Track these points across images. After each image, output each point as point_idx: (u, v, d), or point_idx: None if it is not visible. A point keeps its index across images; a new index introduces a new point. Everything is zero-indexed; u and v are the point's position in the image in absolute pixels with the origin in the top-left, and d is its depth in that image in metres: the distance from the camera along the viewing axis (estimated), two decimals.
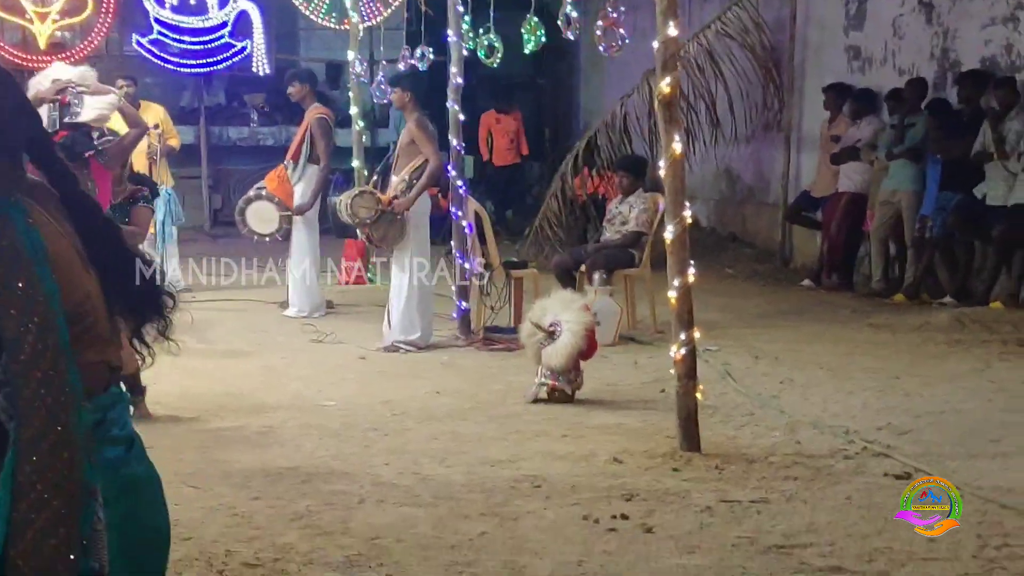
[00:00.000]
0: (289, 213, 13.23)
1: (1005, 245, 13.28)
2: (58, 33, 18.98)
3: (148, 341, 3.50)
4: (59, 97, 8.63)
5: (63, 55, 18.63)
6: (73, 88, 8.69)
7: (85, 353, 3.18)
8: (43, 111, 8.61)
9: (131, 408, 3.55)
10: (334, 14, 19.79)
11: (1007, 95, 13.29)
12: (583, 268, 12.65)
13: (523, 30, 10.46)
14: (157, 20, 19.14)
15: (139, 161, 14.14)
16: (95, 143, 8.50)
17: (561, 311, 9.59)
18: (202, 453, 8.03)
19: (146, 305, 3.40)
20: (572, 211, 16.74)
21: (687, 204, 8.07)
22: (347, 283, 15.49)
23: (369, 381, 10.37)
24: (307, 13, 20.21)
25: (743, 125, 17.36)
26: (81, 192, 3.43)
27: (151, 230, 13.48)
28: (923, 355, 11.39)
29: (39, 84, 8.84)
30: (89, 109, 8.56)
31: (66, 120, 8.53)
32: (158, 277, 3.47)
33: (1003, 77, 13.56)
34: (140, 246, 9.33)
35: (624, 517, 6.68)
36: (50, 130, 8.48)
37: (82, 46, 19.39)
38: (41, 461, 3.02)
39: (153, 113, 15.00)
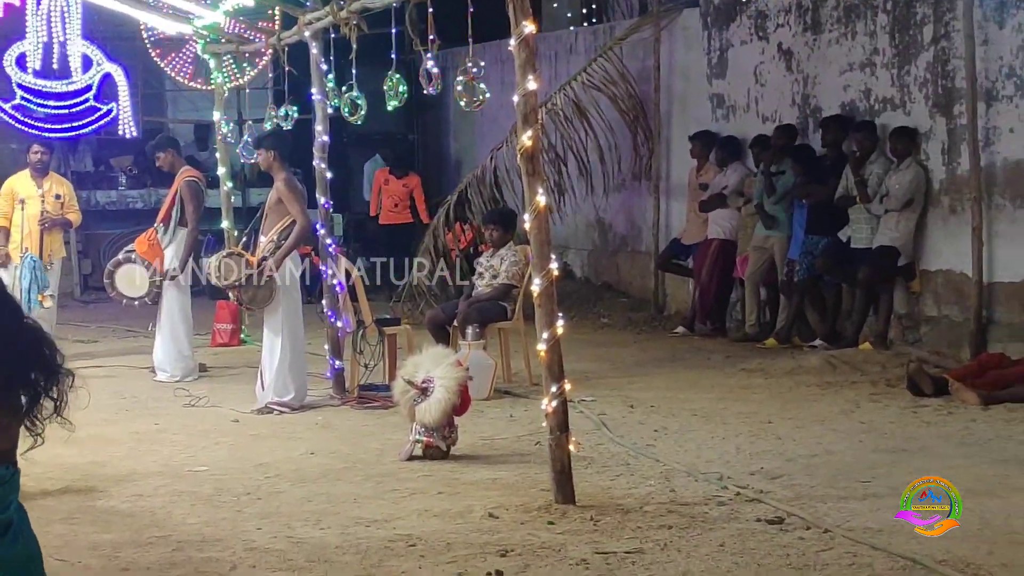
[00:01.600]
0: (159, 278, 13.11)
1: (871, 287, 13.50)
2: None
3: (41, 420, 3.41)
4: None
5: None
6: None
7: None
8: None
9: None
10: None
11: (867, 139, 13.55)
12: (456, 323, 12.63)
13: (385, 87, 10.46)
14: (20, 85, 18.95)
15: (33, 228, 14.01)
16: None
17: (433, 367, 9.55)
18: (70, 525, 7.88)
19: (42, 383, 3.32)
20: (446, 266, 16.74)
21: (554, 256, 8.11)
22: (220, 345, 15.34)
23: (242, 444, 10.25)
24: (171, 74, 20.14)
25: (613, 175, 17.49)
26: None
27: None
28: (795, 398, 11.53)
29: None
30: None
31: None
32: (58, 354, 3.39)
33: (862, 121, 13.82)
34: None
35: (499, 574, 6.65)
36: None
37: None
38: None
39: (58, 183, 14.84)
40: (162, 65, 20.07)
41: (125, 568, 6.98)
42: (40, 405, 3.38)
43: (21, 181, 14.46)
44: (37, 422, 3.42)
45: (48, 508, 8.26)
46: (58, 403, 3.42)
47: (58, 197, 14.61)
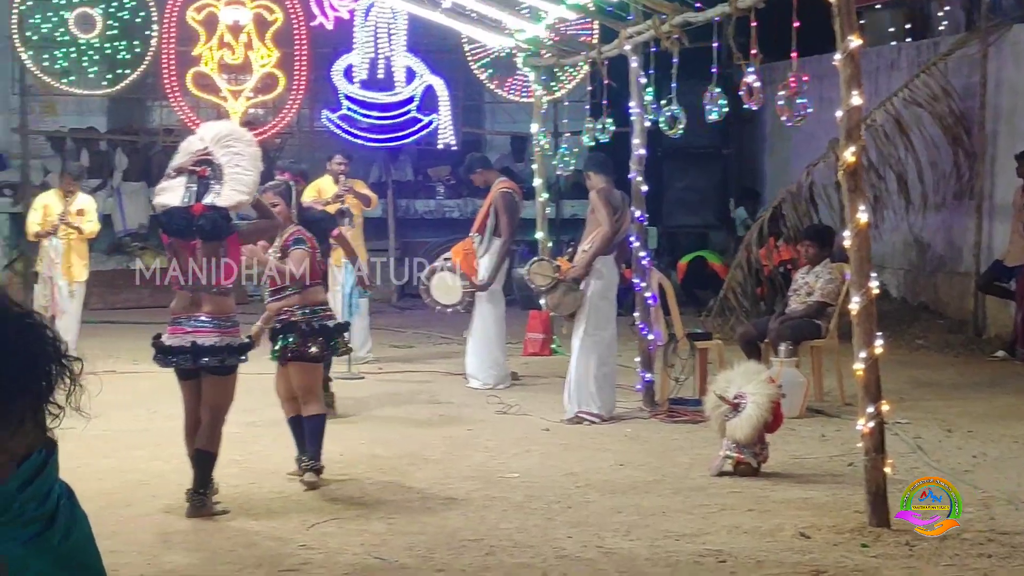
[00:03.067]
0: (473, 288, 13.32)
1: None
2: (251, 110, 19.50)
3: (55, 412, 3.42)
4: (199, 169, 8.55)
5: (255, 132, 19.10)
6: (213, 158, 8.58)
7: None
8: (180, 181, 8.60)
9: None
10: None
11: None
12: (768, 339, 12.51)
13: (705, 100, 10.45)
14: (347, 96, 19.59)
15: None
16: (233, 223, 8.50)
17: (746, 383, 9.48)
18: (388, 523, 8.09)
19: (46, 380, 3.33)
20: (758, 281, 16.63)
21: (874, 275, 7.96)
22: (531, 355, 15.53)
23: (553, 453, 10.36)
24: (492, 87, 20.52)
25: (933, 193, 17.08)
26: None
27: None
28: None
29: (189, 146, 8.81)
30: (229, 192, 8.47)
31: (206, 201, 8.42)
32: (61, 348, 3.39)
33: None
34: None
35: None
36: (187, 203, 8.41)
37: (274, 122, 19.91)
38: None
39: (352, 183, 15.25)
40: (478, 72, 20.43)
41: (440, 569, 7.13)
42: (53, 396, 3.36)
43: (326, 188, 14.69)
44: (52, 414, 3.39)
45: (367, 507, 8.53)
46: (70, 392, 3.39)
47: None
